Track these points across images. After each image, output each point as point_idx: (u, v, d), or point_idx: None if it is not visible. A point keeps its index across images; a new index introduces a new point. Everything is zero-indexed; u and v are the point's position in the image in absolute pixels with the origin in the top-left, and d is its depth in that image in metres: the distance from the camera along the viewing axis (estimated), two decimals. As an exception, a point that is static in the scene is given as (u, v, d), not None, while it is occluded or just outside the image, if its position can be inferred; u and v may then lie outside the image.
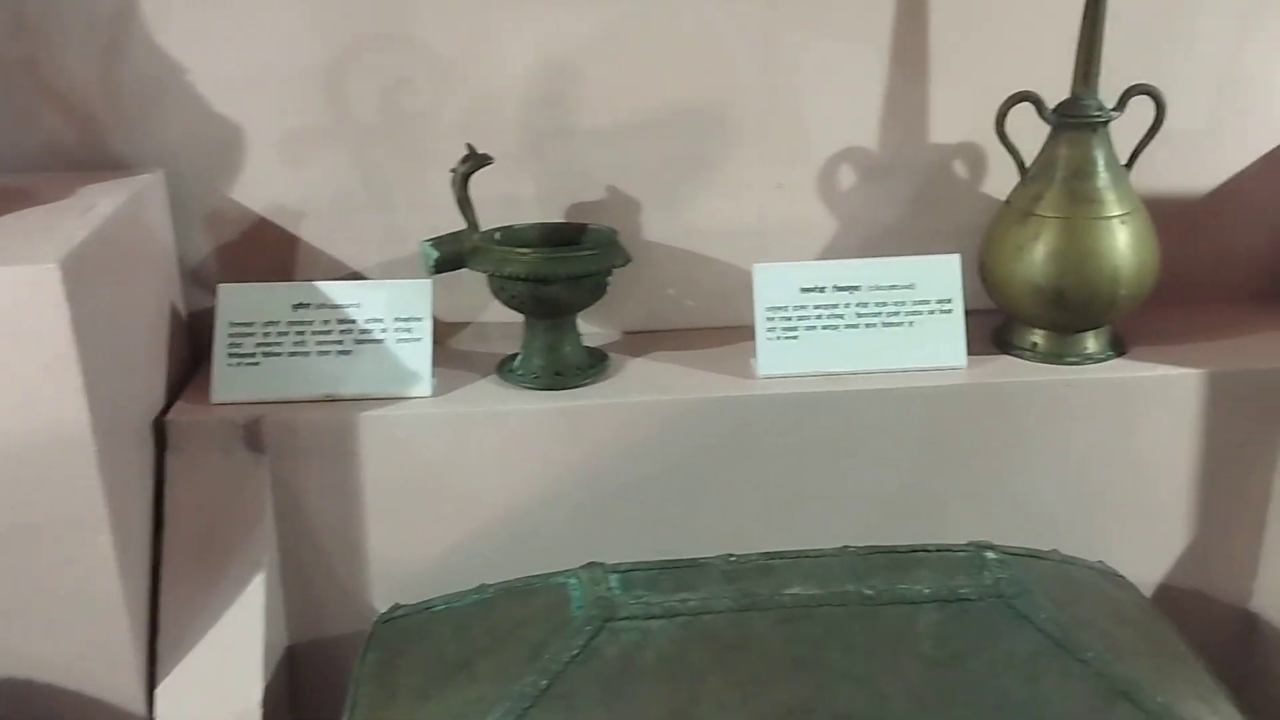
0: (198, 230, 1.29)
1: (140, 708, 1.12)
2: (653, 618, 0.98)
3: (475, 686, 0.98)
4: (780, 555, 1.05)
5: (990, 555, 1.04)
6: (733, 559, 1.05)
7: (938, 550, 1.05)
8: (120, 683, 1.10)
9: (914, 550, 1.05)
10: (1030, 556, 1.10)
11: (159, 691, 1.12)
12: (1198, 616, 1.31)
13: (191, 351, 1.29)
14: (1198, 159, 1.36)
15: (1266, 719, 1.27)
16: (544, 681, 0.94)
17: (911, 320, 1.25)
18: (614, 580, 1.01)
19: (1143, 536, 1.29)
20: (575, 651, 0.96)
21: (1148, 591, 1.30)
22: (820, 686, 0.94)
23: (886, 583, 1.00)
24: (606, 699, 0.93)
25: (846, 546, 1.07)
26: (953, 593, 0.99)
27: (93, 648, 1.08)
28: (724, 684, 0.94)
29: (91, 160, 1.24)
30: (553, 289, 1.19)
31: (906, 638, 0.97)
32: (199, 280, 1.30)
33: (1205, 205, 1.37)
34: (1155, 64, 1.28)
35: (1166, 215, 1.33)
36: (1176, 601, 1.31)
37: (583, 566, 1.05)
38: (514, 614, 1.05)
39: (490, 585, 1.11)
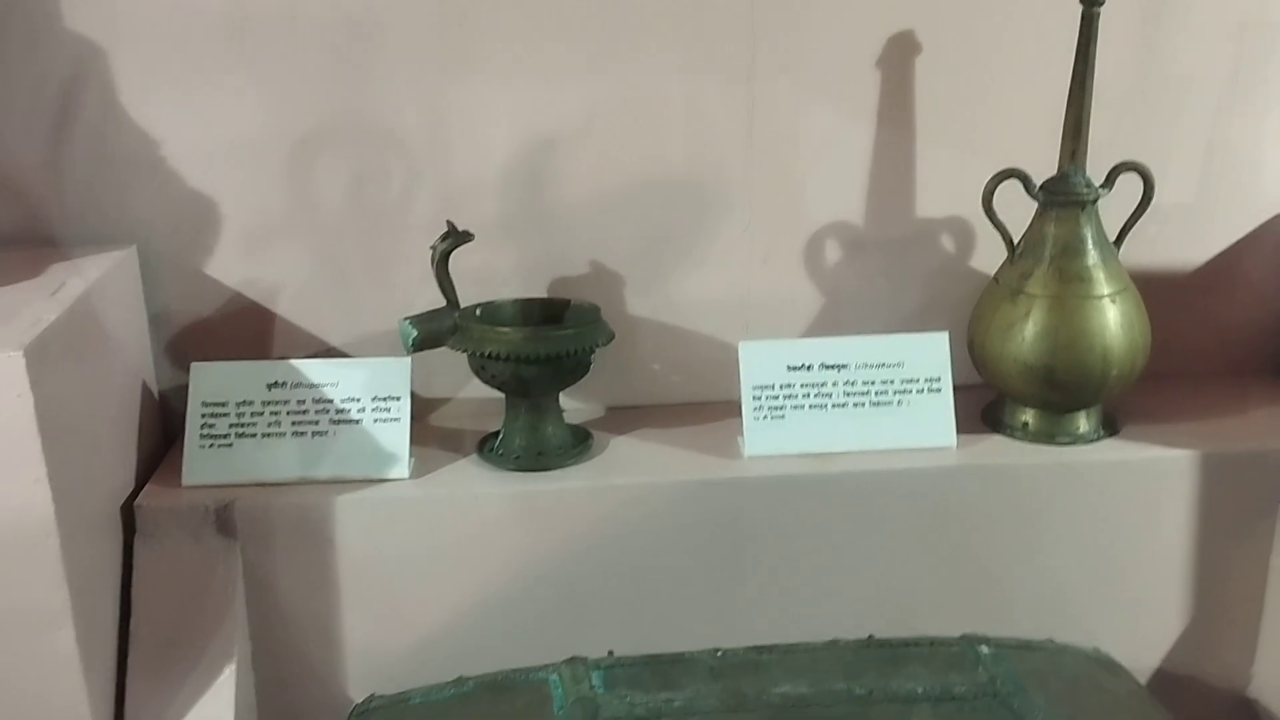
0: (171, 306, 1.26)
1: (103, 807, 1.07)
2: (636, 719, 0.94)
3: (450, 791, 0.94)
4: (769, 650, 1.02)
5: (984, 650, 1.01)
6: (720, 654, 1.02)
7: (930, 644, 1.03)
8: (82, 782, 1.06)
9: (906, 644, 1.03)
10: (1023, 648, 1.07)
11: (124, 790, 1.08)
12: (1195, 703, 1.29)
13: (164, 430, 1.26)
14: (1188, 233, 1.34)
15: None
16: (522, 787, 0.90)
17: (900, 399, 1.23)
18: (596, 677, 0.98)
19: (1138, 622, 1.26)
20: (557, 755, 0.92)
21: (1144, 677, 1.27)
22: (811, 792, 0.91)
23: (878, 680, 0.97)
24: (590, 806, 0.90)
25: (836, 640, 1.04)
26: (946, 691, 0.96)
27: (54, 746, 1.04)
28: (710, 790, 0.91)
29: (63, 236, 1.20)
30: (534, 368, 1.16)
31: (900, 739, 0.94)
32: (173, 357, 1.26)
33: (1197, 280, 1.36)
34: (1142, 140, 1.28)
35: (1158, 291, 1.32)
36: (1173, 688, 1.28)
37: (565, 662, 1.02)
38: (493, 711, 1.01)
39: (469, 678, 1.07)
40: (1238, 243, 1.35)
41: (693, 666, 0.99)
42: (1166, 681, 1.28)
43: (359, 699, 1.16)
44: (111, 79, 1.18)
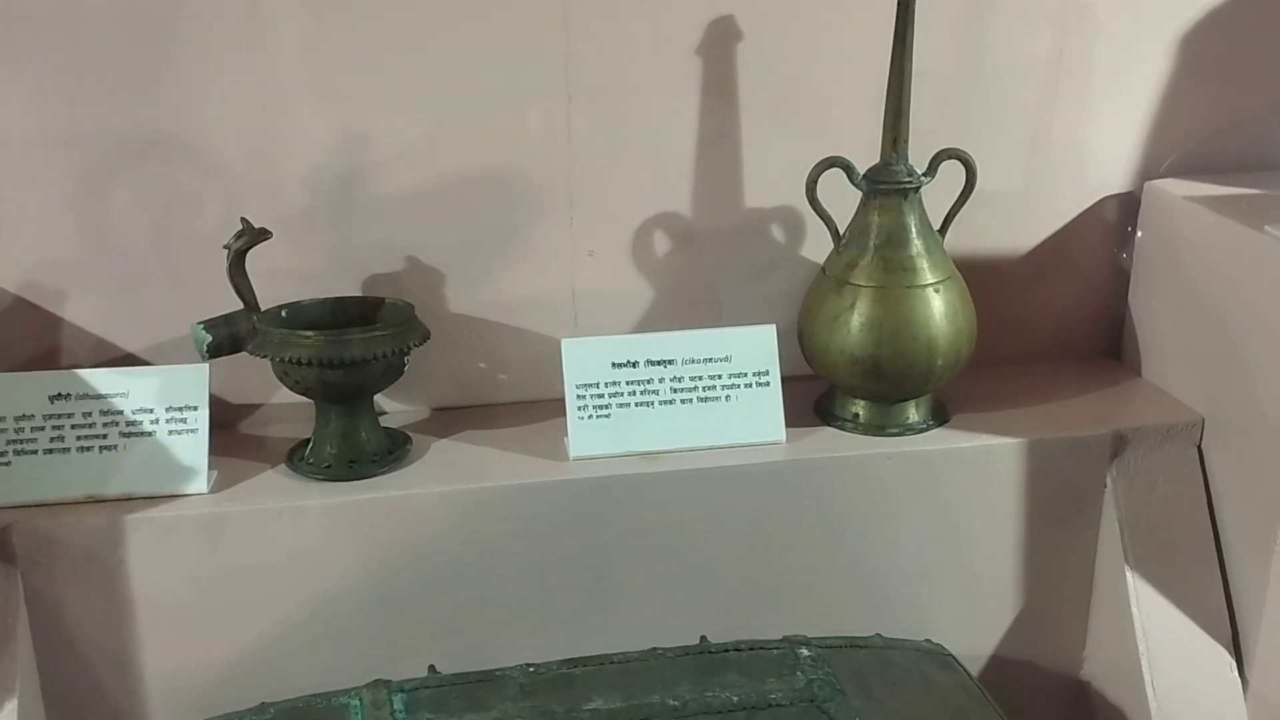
0: (-57, 313, 1.16)
1: None
2: (439, 745, 0.89)
3: (241, 831, 0.88)
4: (583, 662, 0.98)
5: (804, 653, 0.99)
6: (531, 669, 0.97)
7: (750, 648, 1.00)
8: None
9: (725, 650, 1.00)
10: (849, 646, 1.05)
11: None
12: (1031, 688, 1.30)
13: (-60, 448, 1.16)
14: (1016, 220, 1.34)
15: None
16: (315, 826, 0.85)
17: (728, 394, 1.19)
18: (399, 701, 0.93)
19: (971, 610, 1.25)
20: (351, 789, 0.86)
21: (979, 665, 1.27)
22: (622, 814, 0.87)
23: (694, 691, 0.94)
24: (384, 843, 0.85)
25: (655, 649, 1.00)
26: (763, 699, 0.94)
27: None
28: (517, 818, 0.86)
29: None
30: (341, 373, 1.10)
31: (714, 752, 0.91)
32: (-51, 369, 1.16)
33: (1026, 266, 1.36)
34: (967, 128, 1.27)
35: (988, 277, 1.32)
36: (1008, 674, 1.28)
37: (368, 685, 0.97)
38: (293, 742, 0.95)
39: (271, 704, 1.01)
40: (1064, 228, 1.35)
41: (502, 685, 0.95)
42: (1001, 668, 1.28)
43: (163, 729, 1.09)
44: None
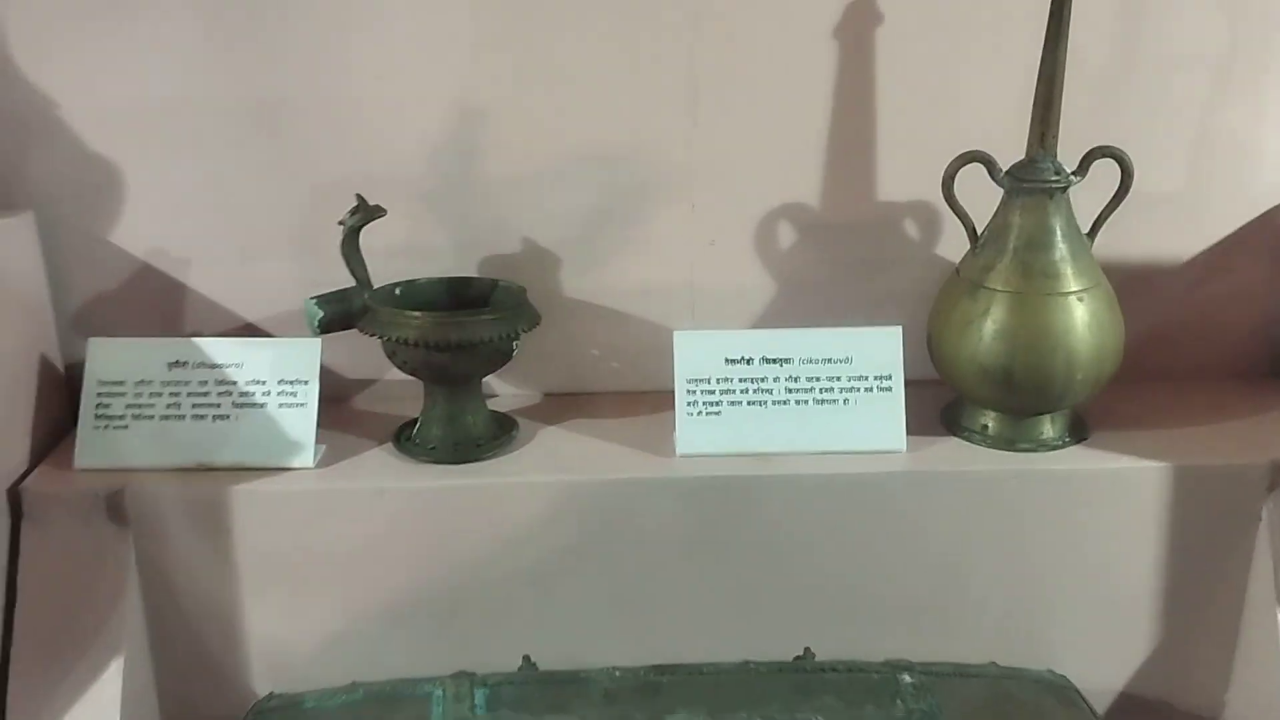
0: (75, 277, 1.19)
1: (-21, 805, 1.02)
2: (515, 746, 0.87)
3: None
4: (671, 670, 0.94)
5: (906, 679, 0.93)
6: (618, 673, 0.94)
7: (849, 670, 0.95)
8: (-47, 779, 1.00)
9: (823, 669, 0.95)
10: (957, 675, 0.99)
11: (2, 788, 1.03)
12: (1168, 728, 1.20)
13: (69, 409, 1.19)
14: (1176, 226, 1.24)
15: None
16: (384, 817, 0.83)
17: (847, 397, 1.14)
18: (480, 696, 0.91)
19: (1101, 643, 1.17)
20: (424, 783, 0.85)
21: (1108, 700, 1.19)
22: (697, 834, 0.83)
23: (784, 711, 0.90)
24: (453, 840, 0.83)
25: (748, 661, 0.96)
26: (857, 726, 0.88)
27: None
28: (588, 828, 0.84)
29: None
30: (447, 356, 1.08)
31: (800, 779, 0.86)
32: (80, 331, 1.19)
33: (1182, 276, 1.25)
34: (1127, 124, 1.18)
35: (1139, 287, 1.23)
36: (1141, 713, 1.19)
37: (451, 676, 0.96)
38: (374, 725, 0.94)
39: (361, 685, 1.02)
40: (1230, 236, 1.24)
41: (586, 687, 0.92)
42: (1133, 708, 1.19)
43: (262, 693, 1.12)
44: (4, 37, 1.10)
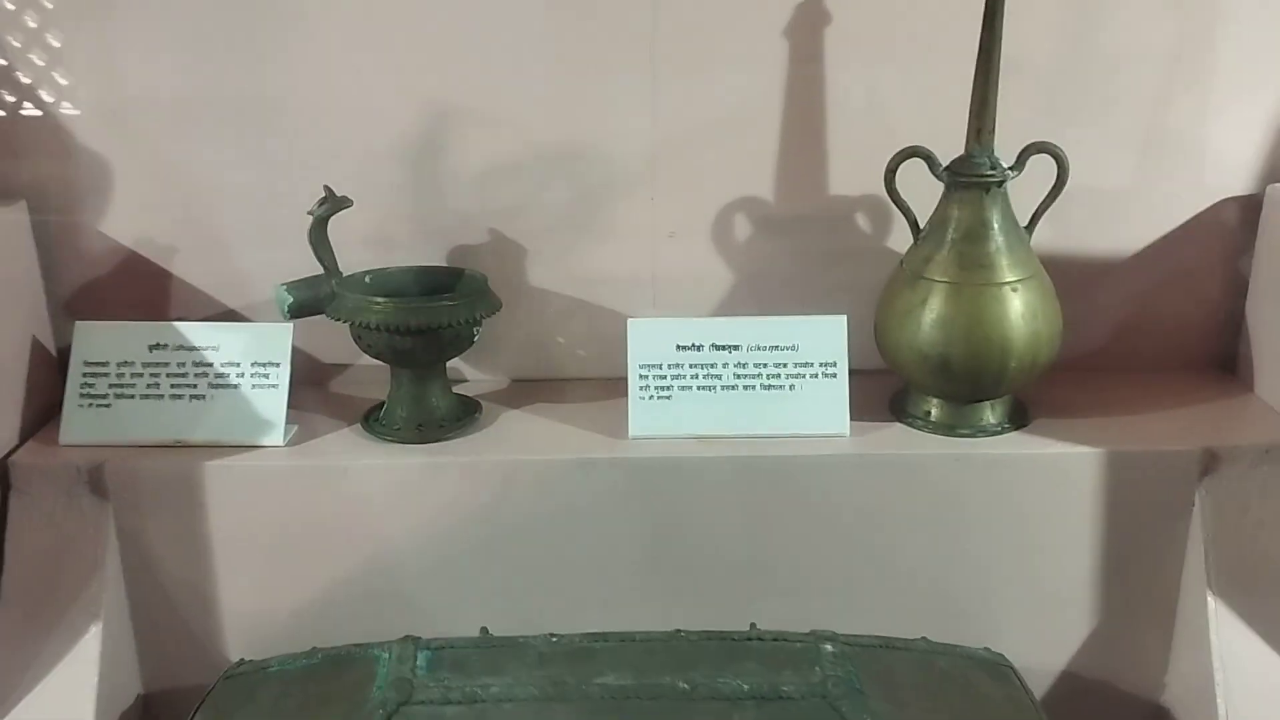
0: (65, 264, 1.26)
1: (-34, 757, 1.09)
2: (449, 703, 0.93)
3: (267, 765, 0.93)
4: (605, 637, 0.99)
5: (828, 648, 0.98)
6: (554, 639, 0.99)
7: (774, 639, 0.99)
8: (-59, 733, 1.07)
9: (749, 638, 0.99)
10: (884, 647, 1.03)
11: (-12, 741, 1.09)
12: (1106, 710, 1.24)
13: (60, 388, 1.25)
14: (1124, 221, 1.27)
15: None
16: (325, 768, 0.89)
17: (793, 383, 1.18)
18: (422, 659, 0.97)
19: (1040, 624, 1.20)
20: (364, 737, 0.91)
21: (1048, 681, 1.23)
22: (617, 788, 0.88)
23: (706, 676, 0.94)
24: (387, 793, 0.88)
25: (679, 630, 1.00)
26: (774, 690, 0.93)
27: (-91, 695, 1.05)
28: (514, 782, 0.89)
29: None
30: (409, 340, 1.14)
31: (718, 738, 0.91)
32: (71, 315, 1.26)
33: (1132, 269, 1.29)
34: (1074, 121, 1.21)
35: (1088, 279, 1.27)
36: (1082, 693, 1.23)
37: (398, 640, 1.01)
38: (327, 686, 1.00)
39: (320, 650, 1.07)
40: (1177, 230, 1.28)
41: (523, 652, 0.97)
42: (1074, 688, 1.22)
43: (234, 659, 1.16)
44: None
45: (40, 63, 1.19)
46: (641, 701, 0.92)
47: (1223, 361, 1.32)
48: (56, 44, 1.18)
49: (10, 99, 1.20)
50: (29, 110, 1.20)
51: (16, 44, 1.19)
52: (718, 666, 0.95)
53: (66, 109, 1.21)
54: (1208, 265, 1.29)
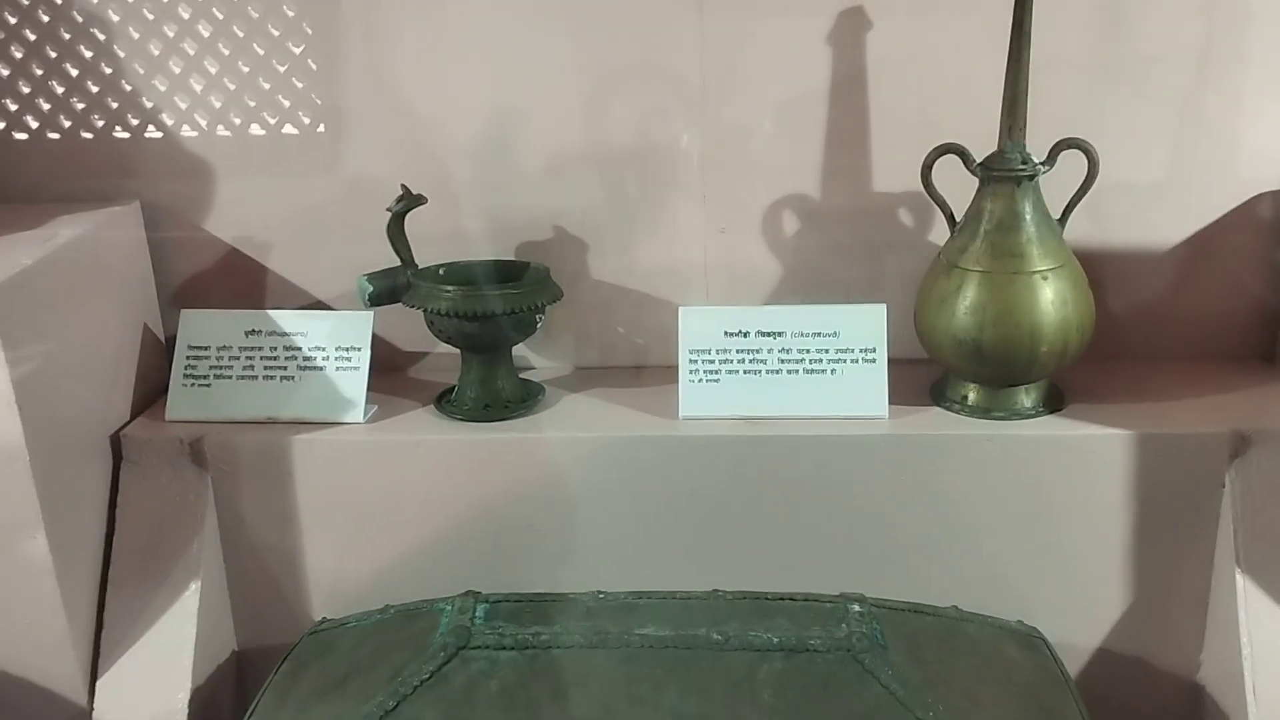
0: (175, 260, 1.39)
1: (81, 698, 1.21)
2: (503, 649, 1.02)
3: (340, 703, 1.03)
4: (649, 595, 1.08)
5: (855, 608, 1.04)
6: (601, 595, 1.08)
7: (805, 599, 1.06)
8: (60, 674, 1.20)
9: (782, 598, 1.06)
10: (913, 611, 1.09)
11: (99, 684, 1.22)
12: (1142, 688, 1.27)
13: (167, 372, 1.38)
14: (1158, 214, 1.32)
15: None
16: (392, 703, 0.99)
17: (834, 368, 1.25)
18: (481, 610, 1.06)
19: (1073, 601, 1.25)
20: (426, 676, 1.00)
21: (1084, 658, 1.27)
22: (652, 727, 0.96)
23: (739, 629, 1.02)
24: (446, 724, 0.98)
25: (716, 590, 1.08)
26: (802, 643, 1.00)
27: (32, 640, 1.18)
28: (560, 718, 0.97)
29: (73, 193, 1.35)
30: (478, 325, 1.24)
31: (747, 685, 0.98)
32: (178, 305, 1.39)
33: (1168, 261, 1.33)
34: (1110, 118, 1.26)
35: (1125, 271, 1.31)
36: (1117, 671, 1.27)
37: (461, 595, 1.10)
38: (395, 637, 1.10)
39: (393, 606, 1.17)
40: (1213, 224, 1.31)
41: (572, 606, 1.06)
42: (1109, 665, 1.27)
43: (317, 617, 1.27)
44: (115, 50, 1.32)
45: (152, 81, 1.33)
46: (678, 650, 1.00)
47: (1260, 352, 1.35)
48: (176, 69, 1.32)
49: (128, 114, 1.34)
50: (141, 123, 1.34)
51: (141, 71, 1.32)
52: (750, 622, 1.02)
53: (175, 122, 1.34)
54: (1244, 258, 1.32)
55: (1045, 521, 1.23)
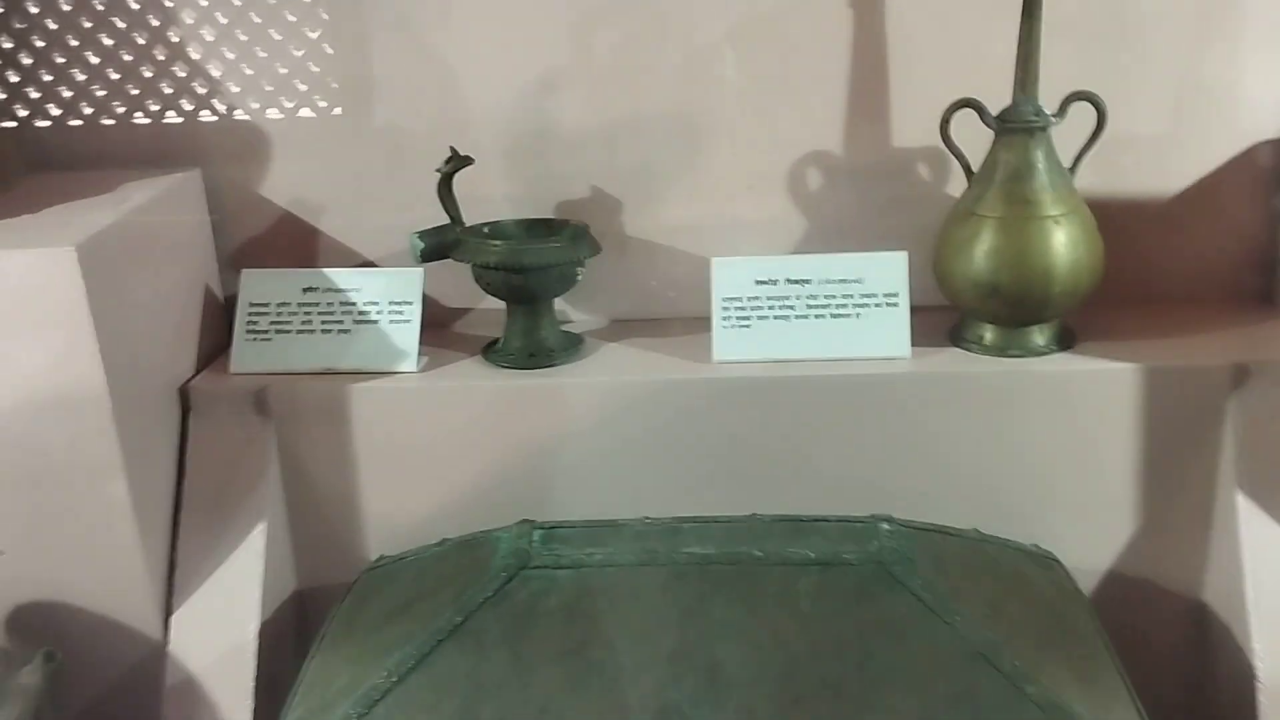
0: (232, 222, 1.47)
1: (157, 633, 1.30)
2: (561, 568, 1.10)
3: (408, 624, 1.11)
4: (693, 520, 1.16)
5: (885, 527, 1.12)
6: (648, 521, 1.16)
7: (839, 520, 1.14)
8: (137, 610, 1.28)
9: (816, 520, 1.14)
10: (938, 532, 1.17)
11: (174, 619, 1.30)
12: (1148, 606, 1.35)
13: (226, 328, 1.46)
14: (1161, 163, 1.39)
15: (1219, 704, 1.30)
16: (459, 618, 1.07)
17: (858, 313, 1.33)
18: (537, 536, 1.14)
19: (1087, 525, 1.32)
20: (490, 594, 1.09)
21: (1095, 579, 1.35)
22: (701, 635, 1.04)
23: (777, 546, 1.10)
24: (511, 637, 1.06)
25: (755, 514, 1.16)
26: (836, 557, 1.08)
27: (112, 578, 1.26)
28: (616, 629, 1.06)
29: (148, 158, 1.43)
30: (523, 277, 1.32)
31: (786, 596, 1.06)
32: (236, 265, 1.47)
33: (1172, 208, 1.40)
34: (1113, 73, 1.34)
35: (1133, 218, 1.38)
36: (1126, 590, 1.35)
37: (517, 523, 1.18)
38: (456, 564, 1.18)
39: (450, 539, 1.25)
40: (1214, 172, 1.39)
41: (621, 530, 1.14)
42: (1118, 584, 1.34)
43: (374, 556, 1.35)
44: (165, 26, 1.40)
45: (210, 52, 1.41)
46: (721, 566, 1.08)
47: (1259, 292, 1.43)
48: (231, 55, 1.41)
49: (189, 83, 1.43)
50: (205, 93, 1.43)
51: (196, 57, 1.41)
52: (787, 540, 1.10)
53: (233, 92, 1.42)
54: (1244, 204, 1.40)
55: (1058, 451, 1.31)
